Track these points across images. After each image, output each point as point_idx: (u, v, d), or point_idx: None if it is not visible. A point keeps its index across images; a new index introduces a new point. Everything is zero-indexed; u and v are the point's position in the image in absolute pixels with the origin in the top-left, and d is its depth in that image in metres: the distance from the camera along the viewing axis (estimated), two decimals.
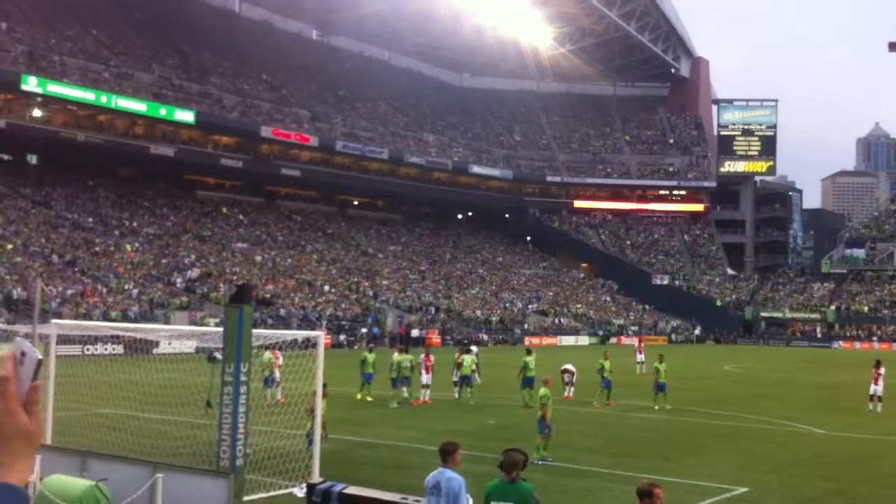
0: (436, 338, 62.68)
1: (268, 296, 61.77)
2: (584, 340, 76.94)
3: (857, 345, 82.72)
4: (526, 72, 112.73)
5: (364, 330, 62.95)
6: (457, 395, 29.20)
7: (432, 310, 72.91)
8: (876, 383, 28.95)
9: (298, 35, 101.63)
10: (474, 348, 33.76)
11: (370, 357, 29.27)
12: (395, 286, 76.08)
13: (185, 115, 73.25)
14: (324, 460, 14.18)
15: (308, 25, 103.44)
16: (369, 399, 28.16)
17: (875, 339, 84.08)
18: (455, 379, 29.61)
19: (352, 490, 12.23)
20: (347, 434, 19.91)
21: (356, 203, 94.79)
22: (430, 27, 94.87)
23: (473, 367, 28.91)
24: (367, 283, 73.85)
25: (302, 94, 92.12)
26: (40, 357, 1.71)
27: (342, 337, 59.72)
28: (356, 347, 57.71)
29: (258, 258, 70.86)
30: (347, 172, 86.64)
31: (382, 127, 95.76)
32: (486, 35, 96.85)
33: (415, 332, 63.19)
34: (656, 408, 27.41)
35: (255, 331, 14.09)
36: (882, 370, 29.09)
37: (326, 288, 69.22)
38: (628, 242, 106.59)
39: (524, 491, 8.08)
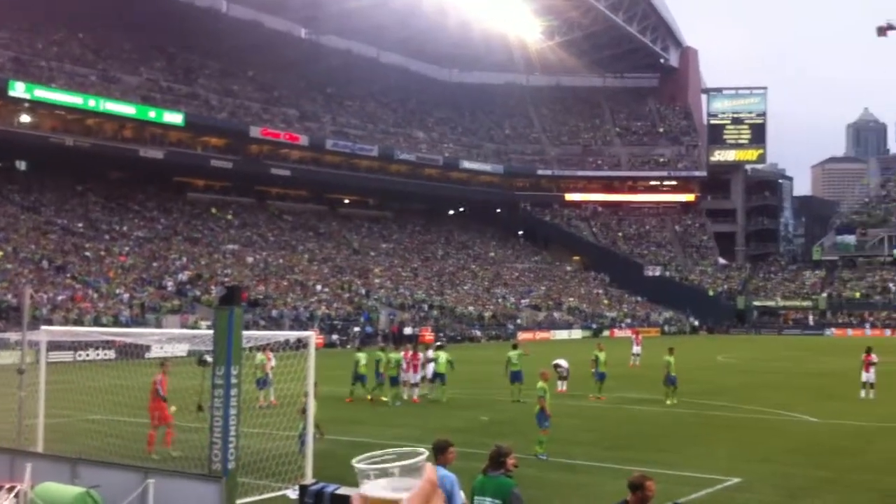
0: (429, 335, 62.69)
1: (260, 297, 61.72)
2: (577, 334, 77.05)
3: (850, 332, 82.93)
4: (514, 65, 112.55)
5: (357, 329, 62.92)
6: (427, 392, 28.70)
7: (425, 307, 72.92)
8: (867, 370, 29.04)
9: (286, 34, 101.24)
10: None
11: (387, 356, 28.41)
12: (387, 284, 76.08)
13: (174, 117, 73.12)
14: (317, 461, 14.15)
15: (296, 24, 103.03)
16: (384, 398, 27.78)
17: (867, 325, 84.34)
18: (428, 376, 28.98)
19: (344, 490, 12.21)
20: (340, 434, 19.90)
21: (347, 201, 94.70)
22: (417, 22, 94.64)
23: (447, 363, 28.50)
24: (359, 282, 73.83)
25: (290, 93, 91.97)
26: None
27: (335, 336, 59.68)
28: (349, 347, 57.76)
29: (249, 259, 70.77)
30: (337, 171, 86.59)
31: (372, 124, 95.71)
32: (473, 29, 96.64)
33: (407, 330, 63.19)
34: (668, 402, 27.06)
35: (245, 332, 14.05)
36: (873, 357, 29.18)
37: (318, 288, 69.16)
38: (620, 234, 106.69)
39: (503, 486, 8.07)
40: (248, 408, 16.73)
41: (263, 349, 25.17)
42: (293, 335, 21.85)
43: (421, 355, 29.34)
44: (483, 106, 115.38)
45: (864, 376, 29.11)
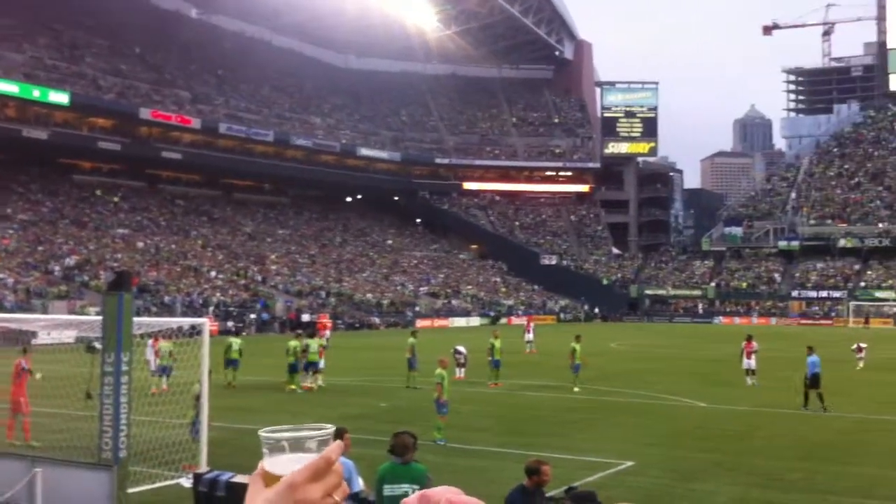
0: (327, 321, 62.19)
1: (151, 283, 60.22)
2: (474, 321, 77.57)
3: (737, 320, 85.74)
4: (412, 53, 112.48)
5: (252, 316, 62.05)
6: (301, 383, 28.04)
7: (323, 294, 72.36)
8: (748, 358, 29.75)
9: (176, 13, 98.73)
10: (328, 332, 33.50)
11: (301, 343, 28.10)
12: (284, 271, 75.18)
13: (60, 97, 70.55)
14: (210, 449, 13.86)
15: (186, 3, 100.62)
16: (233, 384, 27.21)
17: (753, 314, 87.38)
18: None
19: (239, 479, 11.98)
20: (236, 422, 19.54)
21: (242, 186, 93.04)
22: (312, 6, 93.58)
23: (319, 350, 28.14)
24: (255, 268, 72.77)
25: (182, 75, 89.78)
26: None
27: (230, 323, 58.59)
28: (244, 334, 56.99)
29: (140, 244, 68.92)
30: (232, 155, 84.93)
31: (267, 109, 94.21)
32: (371, 15, 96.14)
33: (305, 317, 62.58)
34: (576, 389, 27.27)
35: (136, 319, 13.68)
36: (754, 345, 29.95)
37: (213, 274, 67.88)
38: (517, 223, 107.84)
39: (417, 472, 8.03)
40: (139, 395, 16.26)
41: (154, 336, 24.55)
42: (186, 322, 21.37)
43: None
44: (381, 93, 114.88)
45: (746, 363, 29.78)
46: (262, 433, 1.29)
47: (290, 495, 1.24)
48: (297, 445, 1.30)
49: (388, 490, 8.02)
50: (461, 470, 15.62)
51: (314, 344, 28.21)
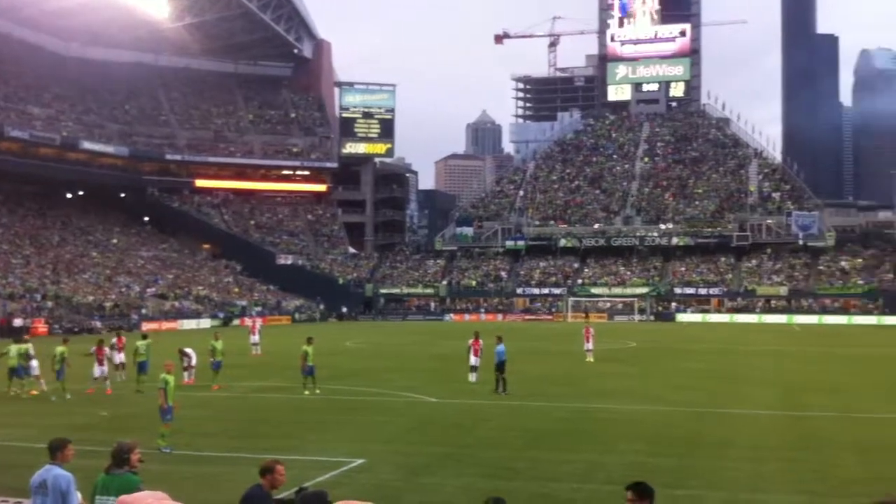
0: (42, 327, 58.23)
1: None
2: (205, 323, 75.39)
3: (467, 317, 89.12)
4: (143, 44, 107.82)
5: None
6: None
7: (38, 297, 67.64)
8: (476, 355, 30.52)
9: None
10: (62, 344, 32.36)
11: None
12: None
13: None
14: None
15: None
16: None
17: (482, 310, 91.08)
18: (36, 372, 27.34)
19: None
20: None
21: None
22: None
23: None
24: None
25: None
26: None
27: None
28: None
29: None
30: None
31: None
32: (99, 2, 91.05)
33: (18, 322, 58.19)
34: (306, 393, 26.74)
35: None
36: (482, 342, 30.83)
37: None
38: (252, 222, 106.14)
39: (126, 484, 7.73)
40: None
41: None
42: None
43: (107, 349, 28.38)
44: (107, 84, 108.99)
45: (473, 360, 30.50)
46: None
47: None
48: None
49: (98, 501, 7.78)
50: (189, 477, 15.10)
51: (13, 349, 27.08)
